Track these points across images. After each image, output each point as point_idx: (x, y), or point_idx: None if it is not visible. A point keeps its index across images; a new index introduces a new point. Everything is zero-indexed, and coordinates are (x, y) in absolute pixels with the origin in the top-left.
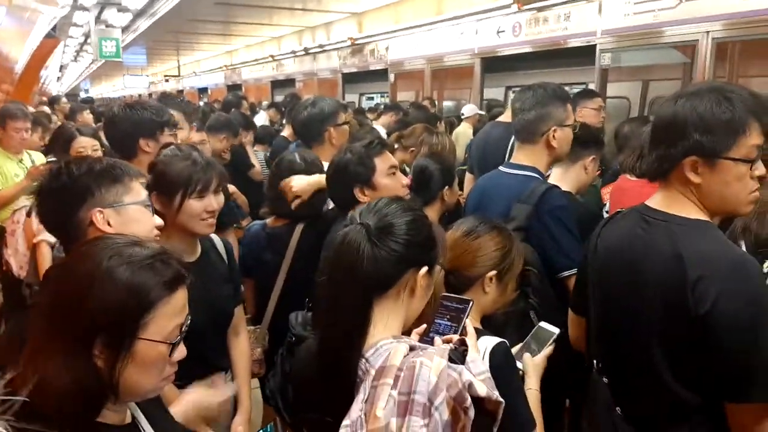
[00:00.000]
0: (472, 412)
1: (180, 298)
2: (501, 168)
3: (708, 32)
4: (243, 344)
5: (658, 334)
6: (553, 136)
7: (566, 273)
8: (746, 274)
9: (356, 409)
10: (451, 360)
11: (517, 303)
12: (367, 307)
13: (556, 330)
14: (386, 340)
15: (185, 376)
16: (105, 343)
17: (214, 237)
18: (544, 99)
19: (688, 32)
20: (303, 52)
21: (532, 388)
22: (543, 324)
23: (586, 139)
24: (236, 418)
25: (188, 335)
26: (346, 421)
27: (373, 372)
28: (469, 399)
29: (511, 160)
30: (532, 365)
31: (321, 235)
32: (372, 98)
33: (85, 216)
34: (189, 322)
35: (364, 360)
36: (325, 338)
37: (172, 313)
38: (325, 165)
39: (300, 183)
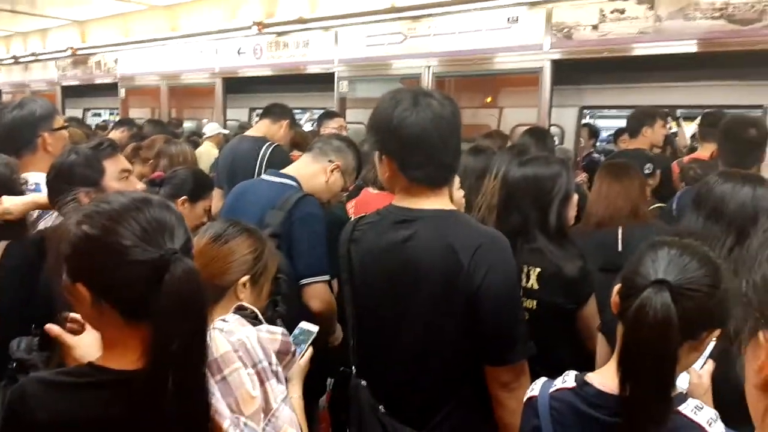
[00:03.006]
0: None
1: None
2: (263, 176)
3: (429, 67)
4: None
5: (436, 323)
6: (332, 171)
7: (310, 280)
8: (503, 249)
9: (222, 408)
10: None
11: (266, 310)
12: None
13: (315, 328)
14: None
15: None
16: None
17: None
18: (351, 146)
19: (413, 66)
20: (11, 60)
21: (295, 396)
22: (302, 324)
23: None
24: None
25: None
26: (225, 423)
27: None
28: (292, 345)
29: (284, 170)
30: (296, 370)
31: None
32: (99, 114)
33: None
34: None
35: None
36: None
37: None
38: (36, 175)
39: (14, 202)
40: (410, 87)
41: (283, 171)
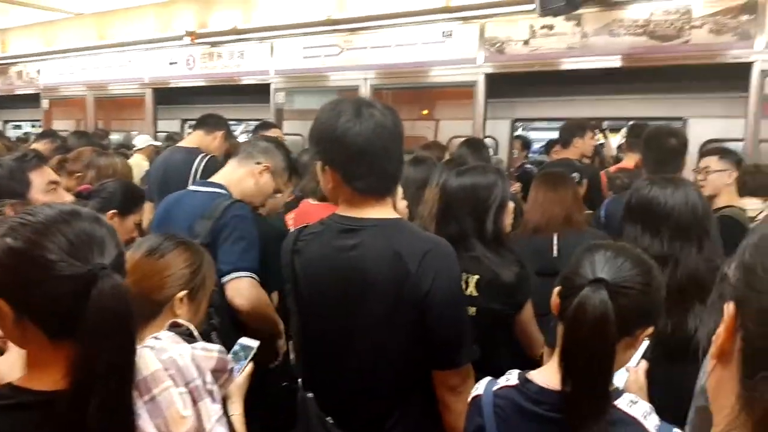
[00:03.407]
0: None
1: None
2: (190, 186)
3: (366, 79)
4: None
5: (386, 330)
6: (261, 173)
7: (230, 276)
8: (448, 255)
9: (149, 429)
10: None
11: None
12: None
13: (256, 343)
14: None
15: None
16: None
17: None
18: (280, 148)
19: (351, 78)
20: None
21: (236, 414)
22: (242, 340)
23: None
24: None
25: None
26: None
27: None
28: (229, 362)
29: (211, 179)
30: (236, 387)
31: None
32: (20, 126)
33: None
34: None
35: None
36: None
37: None
38: None
39: None
40: (351, 97)
41: (211, 179)
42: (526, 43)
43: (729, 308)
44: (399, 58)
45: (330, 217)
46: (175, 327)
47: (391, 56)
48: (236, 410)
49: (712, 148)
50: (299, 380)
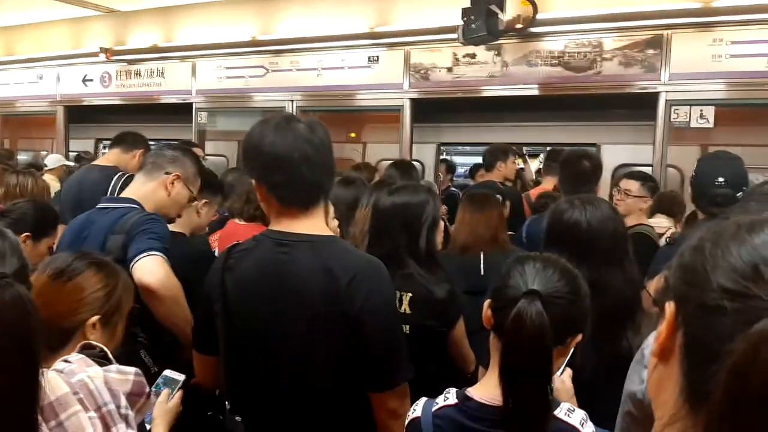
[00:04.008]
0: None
1: None
2: (99, 205)
3: (292, 101)
4: None
5: (316, 348)
6: (172, 182)
7: (138, 257)
8: (381, 274)
9: None
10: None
11: (125, 344)
12: None
13: (181, 377)
14: None
15: None
16: None
17: None
18: (185, 152)
19: (276, 99)
20: None
21: None
22: (166, 372)
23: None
24: None
25: None
26: None
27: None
28: (146, 386)
29: (121, 195)
30: (162, 412)
31: None
32: None
33: None
34: None
35: None
36: None
37: None
38: None
39: None
40: (285, 114)
41: (121, 196)
42: (449, 70)
43: (670, 307)
44: (326, 81)
45: (263, 233)
46: (86, 349)
47: (318, 79)
48: None
49: (636, 173)
50: (227, 407)
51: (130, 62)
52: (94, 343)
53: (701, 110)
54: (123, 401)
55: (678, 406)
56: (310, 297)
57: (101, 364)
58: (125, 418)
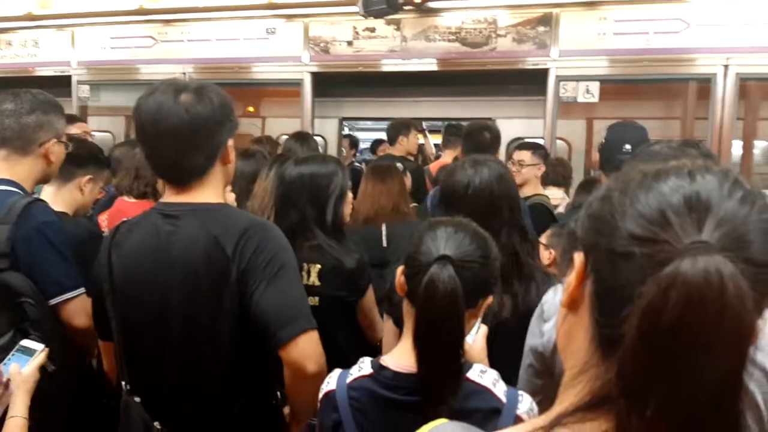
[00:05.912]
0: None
1: None
2: None
3: (184, 73)
4: None
5: (208, 318)
6: (51, 149)
7: (59, 299)
8: (271, 231)
9: None
10: None
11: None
12: None
13: (40, 346)
14: None
15: None
16: None
17: None
18: (45, 106)
19: (166, 72)
20: None
21: (17, 415)
22: (24, 342)
23: (82, 157)
24: None
25: None
26: None
27: None
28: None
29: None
30: (20, 383)
31: None
32: None
33: None
34: None
35: None
36: None
37: None
38: None
39: None
40: (187, 80)
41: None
42: (350, 44)
43: (579, 257)
44: (220, 53)
45: (153, 206)
46: None
47: (212, 50)
48: (18, 411)
49: (526, 143)
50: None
51: (1, 30)
52: None
53: (587, 85)
54: None
55: (589, 354)
56: (197, 265)
57: None
58: None
